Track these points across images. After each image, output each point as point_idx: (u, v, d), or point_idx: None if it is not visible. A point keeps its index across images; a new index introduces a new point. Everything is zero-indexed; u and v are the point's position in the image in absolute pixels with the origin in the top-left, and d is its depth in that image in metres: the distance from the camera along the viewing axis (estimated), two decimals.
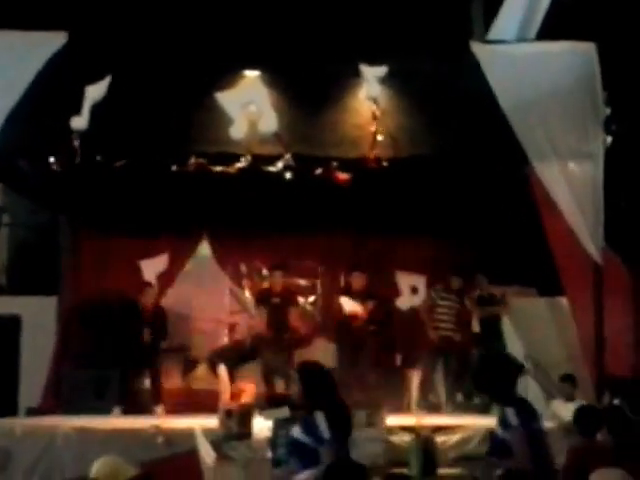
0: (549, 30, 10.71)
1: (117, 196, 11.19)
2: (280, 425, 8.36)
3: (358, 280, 11.86)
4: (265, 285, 12.41)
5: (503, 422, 6.34)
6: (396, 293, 12.72)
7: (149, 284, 12.08)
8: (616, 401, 8.35)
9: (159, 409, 11.20)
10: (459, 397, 11.47)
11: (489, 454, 6.69)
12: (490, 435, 6.87)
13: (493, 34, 11.55)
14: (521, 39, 10.69)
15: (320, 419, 6.28)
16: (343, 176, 9.97)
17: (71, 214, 12.50)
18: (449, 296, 11.77)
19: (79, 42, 9.66)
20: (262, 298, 12.02)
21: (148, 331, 11.50)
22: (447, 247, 12.63)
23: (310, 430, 6.27)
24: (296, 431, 6.40)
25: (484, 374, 6.64)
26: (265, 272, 12.75)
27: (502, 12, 11.47)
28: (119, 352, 11.50)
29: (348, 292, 11.91)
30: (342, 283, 12.40)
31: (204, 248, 12.85)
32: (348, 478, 4.53)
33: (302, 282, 12.82)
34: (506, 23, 11.22)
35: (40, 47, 9.51)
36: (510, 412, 6.34)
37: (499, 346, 11.56)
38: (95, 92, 9.49)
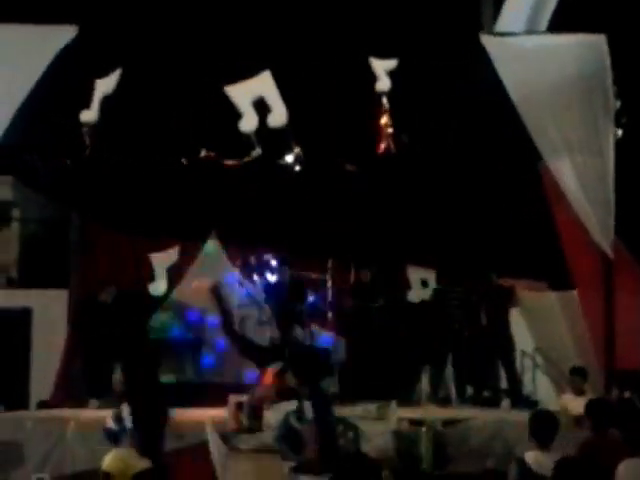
0: (559, 22, 10.68)
1: (127, 189, 11.19)
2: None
3: (364, 276, 11.81)
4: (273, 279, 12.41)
5: (299, 414, 7.13)
6: (407, 287, 12.69)
7: (111, 285, 11.82)
8: (627, 394, 8.34)
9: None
10: (469, 390, 11.45)
11: (281, 440, 7.33)
12: (284, 421, 7.52)
13: (500, 26, 11.51)
14: (531, 31, 10.66)
15: (125, 409, 6.91)
16: (351, 169, 9.97)
17: (81, 208, 12.49)
18: (456, 289, 11.74)
19: (89, 35, 9.68)
20: (270, 293, 12.00)
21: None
22: (457, 241, 12.59)
23: (119, 419, 6.96)
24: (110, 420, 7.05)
25: (295, 366, 6.94)
26: (274, 265, 12.77)
27: (509, 4, 11.44)
28: (126, 345, 11.48)
29: (357, 287, 11.86)
30: (352, 278, 12.34)
31: (214, 242, 12.86)
32: (360, 472, 4.53)
33: (312, 276, 12.82)
34: (515, 15, 11.19)
35: (50, 41, 9.53)
36: (307, 405, 7.10)
37: (507, 339, 11.53)
38: (105, 86, 9.50)
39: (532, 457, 6.16)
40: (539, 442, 6.33)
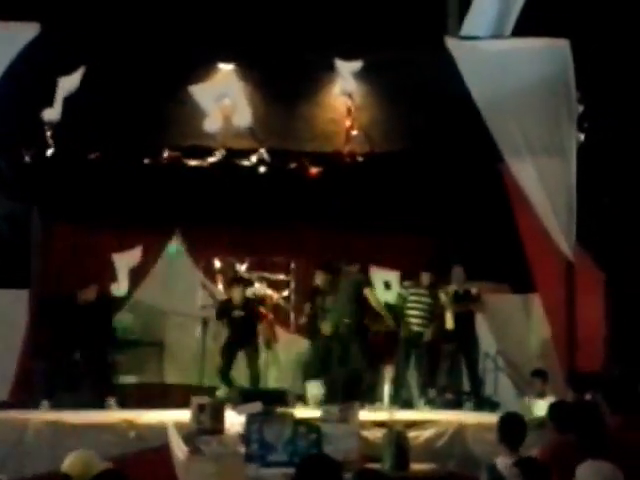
0: (524, 26, 10.74)
1: (90, 189, 11.12)
2: (253, 420, 8.37)
3: (322, 278, 11.71)
4: (225, 297, 12.25)
5: None
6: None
7: (93, 281, 11.69)
8: (588, 396, 8.38)
9: (112, 402, 10.91)
10: (431, 393, 11.48)
11: None
12: None
13: (466, 29, 11.55)
14: (496, 35, 10.72)
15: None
16: (316, 171, 9.98)
17: (43, 206, 12.38)
18: (419, 291, 11.73)
19: (52, 33, 9.57)
20: (222, 311, 11.79)
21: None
22: (420, 243, 12.63)
23: None
24: None
25: None
26: (238, 267, 12.76)
27: (475, 7, 11.46)
28: (88, 344, 11.39)
29: (317, 290, 11.78)
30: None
31: (176, 242, 12.83)
32: (322, 474, 4.52)
33: (275, 277, 12.82)
34: (480, 18, 11.23)
35: (12, 38, 9.42)
36: None
37: (472, 343, 11.58)
38: (68, 84, 9.44)
39: (502, 462, 6.17)
40: (508, 446, 6.35)
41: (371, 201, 11.39)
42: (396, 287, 12.47)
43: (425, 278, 11.69)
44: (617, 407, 7.17)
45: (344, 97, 9.77)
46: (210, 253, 12.86)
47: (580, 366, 9.54)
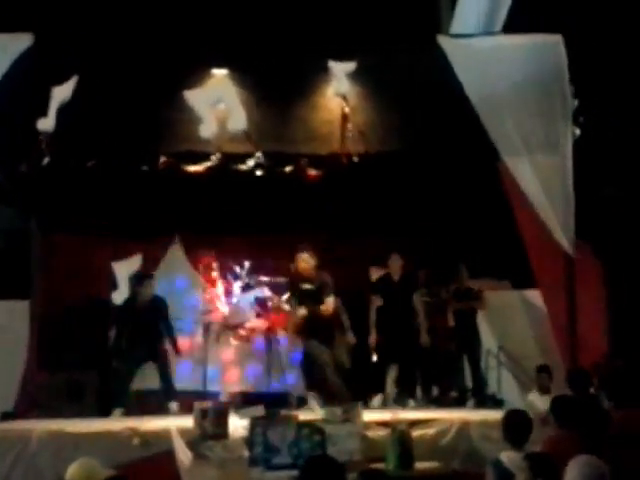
0: (515, 23, 10.75)
1: (87, 197, 11.13)
2: (256, 424, 8.36)
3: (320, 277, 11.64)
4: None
5: None
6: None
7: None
8: (592, 390, 8.39)
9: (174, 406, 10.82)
10: (435, 391, 11.47)
11: None
12: None
13: (455, 26, 11.55)
14: (488, 32, 10.72)
15: None
16: (313, 173, 9.99)
17: (41, 217, 12.40)
18: (422, 290, 11.70)
19: (45, 43, 9.60)
20: None
21: None
22: (419, 242, 12.61)
23: None
24: None
25: None
26: (238, 270, 12.75)
27: (463, 3, 11.46)
28: (93, 354, 11.41)
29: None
30: None
31: (177, 249, 12.84)
32: (326, 475, 4.52)
33: (275, 280, 12.79)
34: (470, 15, 11.24)
35: (5, 49, 9.45)
36: None
37: (474, 340, 11.57)
38: (62, 93, 9.46)
39: (507, 457, 6.18)
40: (513, 442, 6.36)
41: (369, 202, 11.39)
42: None
43: (421, 276, 11.66)
44: (620, 402, 7.19)
45: (338, 98, 9.78)
46: (209, 258, 12.85)
47: (582, 360, 9.54)
